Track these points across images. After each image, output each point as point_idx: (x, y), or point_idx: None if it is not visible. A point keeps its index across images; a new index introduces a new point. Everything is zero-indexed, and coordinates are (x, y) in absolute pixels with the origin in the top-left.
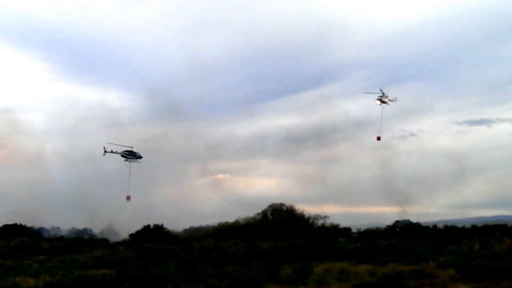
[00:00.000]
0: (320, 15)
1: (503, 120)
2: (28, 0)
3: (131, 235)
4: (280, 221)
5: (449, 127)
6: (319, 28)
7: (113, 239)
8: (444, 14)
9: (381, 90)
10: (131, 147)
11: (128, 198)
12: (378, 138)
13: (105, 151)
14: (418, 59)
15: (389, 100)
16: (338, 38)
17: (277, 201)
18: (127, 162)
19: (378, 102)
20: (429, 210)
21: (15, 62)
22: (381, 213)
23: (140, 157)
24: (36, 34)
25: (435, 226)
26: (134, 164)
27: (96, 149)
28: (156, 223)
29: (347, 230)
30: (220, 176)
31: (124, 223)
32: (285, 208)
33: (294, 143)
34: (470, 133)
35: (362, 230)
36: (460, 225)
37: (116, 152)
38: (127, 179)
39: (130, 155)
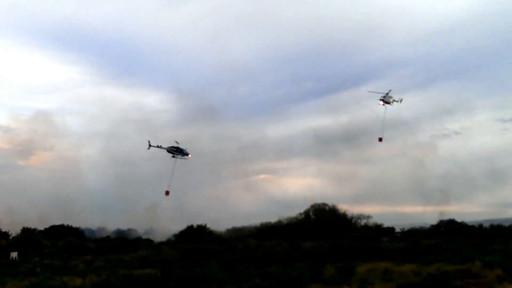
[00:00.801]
0: (360, 14)
1: None
2: (70, 6)
3: (175, 235)
4: (323, 221)
5: (493, 125)
6: (359, 27)
7: (157, 239)
8: (486, 9)
9: (389, 90)
10: (177, 142)
11: (167, 193)
12: (380, 139)
13: (150, 145)
14: (460, 56)
15: (394, 100)
16: (379, 37)
17: (319, 201)
18: (173, 159)
19: (381, 102)
20: (474, 209)
21: (58, 67)
22: (424, 212)
23: (187, 154)
24: (80, 39)
25: (480, 225)
26: (176, 165)
27: (140, 150)
28: (199, 223)
29: (391, 229)
30: (261, 176)
31: (167, 224)
32: (327, 208)
33: (336, 143)
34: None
35: (405, 229)
36: (507, 224)
37: (161, 147)
38: (168, 177)
39: (177, 151)
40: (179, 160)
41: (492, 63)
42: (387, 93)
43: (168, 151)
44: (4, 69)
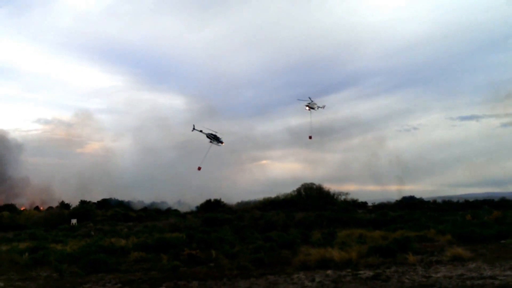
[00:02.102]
0: (340, 33)
1: (490, 116)
2: (114, 29)
3: (197, 207)
4: (311, 197)
5: (444, 122)
6: (339, 44)
7: (183, 210)
8: (439, 32)
9: (309, 98)
10: (216, 132)
11: (199, 168)
12: (310, 137)
13: (193, 128)
14: (420, 67)
15: (318, 107)
16: (355, 52)
17: (308, 181)
18: (211, 143)
19: (307, 108)
20: (429, 188)
21: (106, 76)
22: (389, 191)
23: (221, 142)
24: (122, 54)
25: (434, 201)
26: (202, 149)
27: (170, 140)
28: (215, 197)
29: (364, 204)
30: (263, 162)
31: (191, 197)
32: (314, 186)
33: (321, 135)
34: (462, 127)
35: (376, 204)
36: (455, 200)
37: (202, 132)
38: (196, 161)
39: (215, 138)
40: (204, 147)
41: (444, 73)
42: (311, 101)
43: (207, 137)
44: (67, 78)
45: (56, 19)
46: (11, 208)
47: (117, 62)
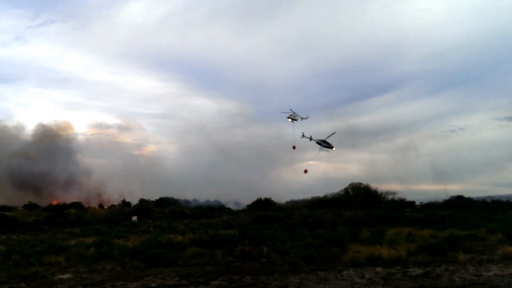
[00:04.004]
0: (383, 37)
1: None
2: (166, 40)
3: (248, 205)
4: (359, 196)
5: (491, 122)
6: (382, 48)
7: (235, 208)
8: (483, 33)
9: (291, 109)
10: (325, 138)
11: (294, 147)
12: (294, 147)
13: (303, 135)
14: (464, 69)
15: (301, 118)
16: (398, 55)
17: (356, 181)
18: (320, 150)
19: (289, 119)
20: (477, 188)
21: (161, 83)
22: (437, 190)
23: (332, 147)
24: (175, 63)
25: (484, 200)
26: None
27: (221, 142)
28: (265, 196)
29: (412, 203)
30: (310, 162)
31: (243, 196)
32: (362, 186)
33: (366, 137)
34: (509, 127)
35: (424, 203)
36: (504, 200)
37: (311, 139)
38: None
39: (324, 143)
40: (330, 150)
41: (489, 74)
42: (293, 112)
43: (317, 143)
44: (125, 86)
45: (115, 31)
46: (77, 205)
47: (171, 70)
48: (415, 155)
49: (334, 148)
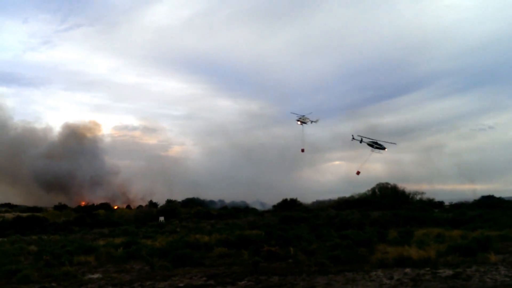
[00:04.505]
0: (409, 35)
1: None
2: (191, 42)
3: (273, 206)
4: (386, 196)
5: None
6: (409, 46)
7: (260, 208)
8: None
9: (294, 113)
10: (394, 143)
11: (302, 150)
12: (302, 150)
13: (353, 138)
14: (493, 67)
15: (311, 121)
16: (425, 53)
17: (383, 181)
18: (371, 151)
19: (299, 122)
20: (509, 187)
21: (186, 85)
22: (466, 190)
23: (384, 148)
24: (199, 65)
25: None
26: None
27: (247, 142)
28: (291, 197)
29: (441, 203)
30: (336, 162)
31: (268, 196)
32: (389, 186)
33: (392, 136)
34: None
35: (452, 203)
36: None
37: (361, 141)
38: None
39: (377, 145)
40: (382, 151)
41: None
42: (303, 115)
43: (368, 144)
44: (150, 88)
45: (140, 34)
46: (106, 206)
47: (195, 72)
48: (443, 155)
49: (386, 149)
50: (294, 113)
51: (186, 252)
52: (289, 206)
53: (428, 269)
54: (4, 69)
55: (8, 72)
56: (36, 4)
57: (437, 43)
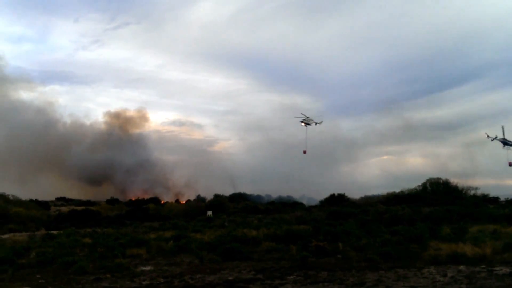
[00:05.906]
0: (461, 25)
1: None
2: (241, 38)
3: (321, 201)
4: (437, 192)
5: None
6: (460, 36)
7: (307, 203)
8: None
9: (302, 114)
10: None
11: (304, 152)
12: (304, 152)
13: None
14: None
15: (315, 123)
16: (477, 44)
17: (434, 176)
18: None
19: (303, 124)
20: None
21: (231, 81)
22: None
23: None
24: (244, 61)
25: None
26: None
27: (292, 137)
28: (339, 192)
29: (496, 198)
30: (385, 157)
31: (316, 191)
32: (441, 181)
33: (442, 130)
34: None
35: (509, 199)
36: None
37: (495, 138)
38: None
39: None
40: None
41: None
42: (307, 117)
43: (501, 142)
44: (197, 84)
45: (186, 30)
46: (155, 201)
47: (240, 67)
48: (497, 148)
49: None
50: (297, 117)
51: (234, 246)
52: (336, 201)
53: (483, 266)
54: (57, 68)
55: (61, 70)
56: (86, 3)
57: (492, 31)
